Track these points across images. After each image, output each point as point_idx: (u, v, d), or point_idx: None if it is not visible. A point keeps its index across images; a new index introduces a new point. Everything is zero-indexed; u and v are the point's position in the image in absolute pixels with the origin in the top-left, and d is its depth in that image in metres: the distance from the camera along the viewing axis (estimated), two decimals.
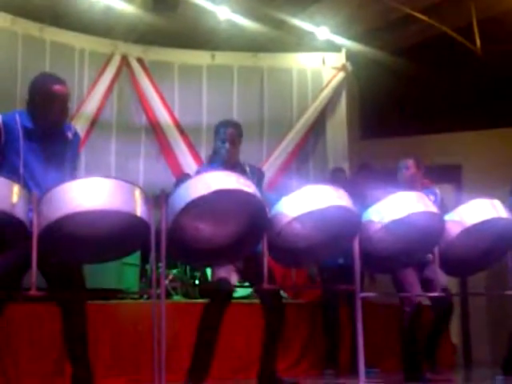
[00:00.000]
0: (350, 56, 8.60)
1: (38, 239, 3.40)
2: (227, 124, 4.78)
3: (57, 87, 3.96)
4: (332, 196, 4.05)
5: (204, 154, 8.04)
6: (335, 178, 6.66)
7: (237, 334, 5.69)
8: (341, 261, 5.47)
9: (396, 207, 4.23)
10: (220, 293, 4.52)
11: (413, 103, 8.93)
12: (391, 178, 5.48)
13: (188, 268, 7.09)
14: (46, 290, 3.80)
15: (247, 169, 4.66)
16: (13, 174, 3.69)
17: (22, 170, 3.82)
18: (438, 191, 5.67)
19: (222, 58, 8.48)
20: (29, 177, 3.81)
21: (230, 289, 4.61)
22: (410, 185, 5.35)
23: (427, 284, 5.21)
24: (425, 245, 4.42)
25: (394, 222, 4.18)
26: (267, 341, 4.57)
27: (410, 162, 5.52)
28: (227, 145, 4.62)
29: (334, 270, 5.73)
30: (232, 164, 4.54)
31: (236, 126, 4.78)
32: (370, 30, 8.34)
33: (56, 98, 3.94)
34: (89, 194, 3.49)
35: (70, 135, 4.02)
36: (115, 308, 5.66)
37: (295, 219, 3.98)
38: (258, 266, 4.28)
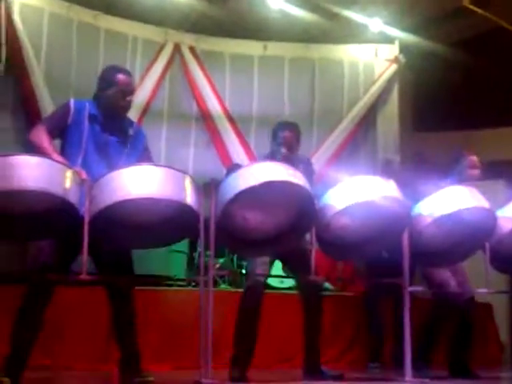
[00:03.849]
0: (403, 48, 8.51)
1: (89, 224, 3.45)
2: (284, 127, 4.75)
3: (121, 77, 4.04)
4: (382, 187, 4.03)
5: (253, 143, 8.06)
6: (386, 169, 6.61)
7: (282, 324, 5.71)
8: (385, 255, 5.41)
9: (447, 202, 4.19)
10: (253, 285, 4.54)
11: (466, 96, 8.80)
12: (444, 171, 5.39)
13: (235, 257, 7.13)
14: (96, 274, 3.85)
15: (300, 162, 4.63)
16: (70, 159, 3.76)
17: (81, 156, 3.89)
18: None
19: (274, 48, 8.45)
20: (85, 164, 3.87)
21: (263, 280, 4.62)
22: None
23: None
24: (476, 240, 4.37)
25: (445, 216, 4.14)
26: (307, 332, 4.59)
27: (477, 160, 5.31)
28: (283, 149, 4.61)
29: (378, 263, 5.67)
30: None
31: (293, 129, 4.75)
32: (424, 22, 8.24)
33: (120, 87, 4.01)
34: (140, 181, 3.53)
35: (131, 131, 4.08)
36: (163, 294, 5.72)
37: (343, 211, 3.96)
38: (302, 257, 4.29)
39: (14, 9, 6.81)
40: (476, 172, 5.28)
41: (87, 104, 4.04)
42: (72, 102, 4.04)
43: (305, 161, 4.78)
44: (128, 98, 4.05)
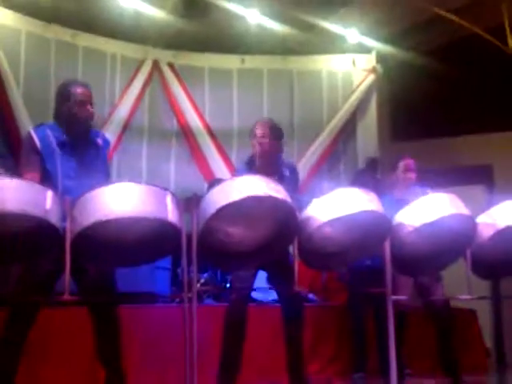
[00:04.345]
0: (381, 58, 8.58)
1: (70, 244, 3.44)
2: (261, 124, 4.76)
3: (79, 90, 4.03)
4: (363, 200, 4.04)
5: (234, 157, 8.08)
6: (369, 168, 6.67)
7: (268, 338, 5.70)
8: (368, 262, 5.43)
9: (428, 209, 4.21)
10: (237, 299, 4.55)
11: (443, 104, 8.87)
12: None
13: (219, 271, 7.12)
14: (78, 294, 3.84)
15: (285, 170, 4.64)
16: (49, 183, 3.76)
17: (58, 179, 3.89)
18: None
19: (252, 61, 8.50)
20: (63, 185, 3.86)
21: (247, 294, 4.64)
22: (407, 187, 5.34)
23: (424, 291, 5.23)
24: (457, 247, 4.40)
25: (426, 224, 4.16)
26: (289, 345, 4.59)
27: (413, 163, 5.47)
28: (264, 140, 4.63)
29: (361, 271, 5.69)
30: (270, 166, 4.53)
31: (271, 125, 4.77)
32: (401, 32, 8.31)
33: (80, 100, 4.00)
34: (121, 199, 3.52)
35: (100, 141, 4.08)
36: (147, 311, 5.70)
37: (326, 223, 3.98)
38: (283, 268, 4.31)
39: None
40: (413, 175, 5.38)
41: (48, 129, 4.02)
42: (32, 131, 4.02)
43: (291, 167, 4.80)
44: (88, 108, 4.03)
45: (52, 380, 5.20)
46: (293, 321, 4.57)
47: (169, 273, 6.63)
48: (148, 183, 3.72)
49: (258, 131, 4.68)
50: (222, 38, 8.11)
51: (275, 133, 4.72)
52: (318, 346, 6.14)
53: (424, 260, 4.43)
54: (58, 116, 4.08)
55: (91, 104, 4.07)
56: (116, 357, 3.93)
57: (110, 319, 3.93)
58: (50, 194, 3.48)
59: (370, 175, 6.65)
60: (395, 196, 5.35)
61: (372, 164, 6.99)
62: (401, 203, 4.35)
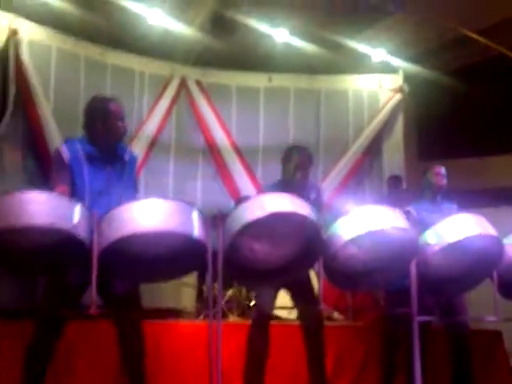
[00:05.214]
0: (407, 77, 8.57)
1: (97, 259, 3.47)
2: (299, 151, 4.78)
3: (113, 106, 4.08)
4: (389, 217, 4.03)
5: (260, 174, 8.09)
6: (391, 185, 6.64)
7: (291, 355, 5.69)
8: (407, 283, 5.36)
9: (454, 230, 4.19)
10: (260, 318, 4.55)
11: (469, 124, 8.83)
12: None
13: (244, 288, 7.12)
14: (105, 308, 3.86)
15: (311, 193, 4.66)
16: (77, 197, 3.80)
17: (86, 193, 3.92)
18: None
19: (279, 80, 8.54)
20: (91, 199, 3.90)
21: (270, 313, 4.64)
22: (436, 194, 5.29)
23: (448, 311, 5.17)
24: (484, 268, 4.37)
25: (452, 245, 4.14)
26: (310, 362, 4.58)
27: (443, 170, 5.43)
28: (299, 173, 4.64)
29: (400, 293, 5.61)
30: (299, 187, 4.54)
31: (308, 153, 4.80)
32: (427, 51, 8.31)
33: (113, 115, 4.05)
34: (148, 215, 3.55)
35: (127, 157, 4.12)
36: (172, 327, 5.72)
37: (351, 241, 3.97)
38: (305, 287, 4.31)
39: (23, 46, 6.90)
40: (444, 181, 5.34)
41: (78, 144, 4.06)
42: (62, 147, 4.07)
43: (316, 189, 4.82)
44: (123, 124, 4.09)
45: None
46: (313, 339, 4.56)
47: (194, 289, 6.65)
48: (174, 199, 3.75)
49: (298, 158, 4.69)
50: (250, 56, 8.16)
51: (311, 160, 4.76)
52: (342, 366, 6.10)
53: (450, 281, 4.40)
54: (89, 131, 4.12)
55: (124, 119, 4.13)
56: (140, 371, 3.94)
57: (134, 334, 3.95)
58: (78, 207, 3.52)
59: (394, 192, 6.63)
60: (423, 206, 5.30)
61: (394, 181, 6.96)
62: (429, 214, 4.33)
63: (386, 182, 8.14)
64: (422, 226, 4.20)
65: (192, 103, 8.21)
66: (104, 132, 4.05)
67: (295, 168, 4.66)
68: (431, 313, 4.72)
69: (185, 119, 8.22)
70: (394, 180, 6.92)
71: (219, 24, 7.54)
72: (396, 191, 6.54)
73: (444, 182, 5.43)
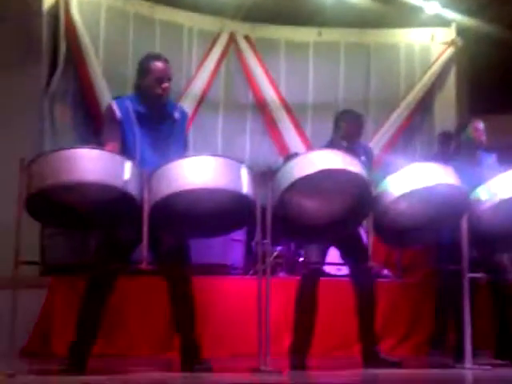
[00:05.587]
0: (460, 31, 8.37)
1: (148, 215, 3.51)
2: (347, 118, 4.77)
3: (157, 64, 4.07)
4: (439, 174, 4.00)
5: (309, 131, 8.04)
6: (442, 142, 6.55)
7: (340, 311, 5.70)
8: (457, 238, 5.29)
9: (506, 186, 4.13)
10: (309, 274, 4.57)
11: None
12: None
13: (293, 244, 7.14)
14: (155, 264, 3.92)
15: (361, 152, 4.63)
16: (128, 154, 3.83)
17: (136, 150, 3.95)
18: None
19: (329, 34, 8.41)
20: (141, 156, 3.93)
21: (319, 269, 4.65)
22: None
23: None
24: None
25: (505, 201, 4.08)
26: (361, 319, 4.59)
27: (483, 126, 5.19)
28: (343, 143, 4.62)
29: (450, 248, 5.54)
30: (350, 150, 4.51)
31: (356, 120, 4.78)
32: (481, 4, 8.09)
33: (156, 74, 4.04)
34: (197, 171, 3.58)
35: (177, 115, 4.13)
36: (221, 283, 5.78)
37: (401, 198, 3.95)
38: (356, 244, 4.30)
39: (72, 4, 6.92)
40: (483, 137, 5.16)
41: (128, 101, 4.08)
42: (114, 103, 4.09)
43: (366, 150, 4.79)
44: (164, 85, 4.06)
45: (129, 347, 5.35)
46: (364, 296, 4.56)
47: (243, 245, 6.68)
48: (224, 156, 3.76)
49: (346, 127, 4.67)
50: (299, 11, 8.05)
51: (360, 128, 4.73)
52: (392, 322, 6.09)
53: (501, 238, 4.36)
54: (137, 88, 4.14)
55: (169, 79, 4.11)
56: (191, 326, 4.00)
57: (184, 289, 3.99)
58: (129, 164, 3.56)
59: (442, 150, 6.53)
60: (462, 160, 5.20)
61: (445, 138, 6.84)
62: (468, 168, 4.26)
63: (436, 139, 8.05)
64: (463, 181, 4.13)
65: (241, 59, 8.15)
66: (146, 91, 4.06)
67: (342, 137, 4.64)
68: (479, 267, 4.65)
69: (233, 75, 8.18)
70: (445, 137, 6.81)
71: None
72: (446, 148, 6.43)
73: (484, 137, 5.28)
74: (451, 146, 6.08)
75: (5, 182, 4.79)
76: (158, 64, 4.08)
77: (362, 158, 4.52)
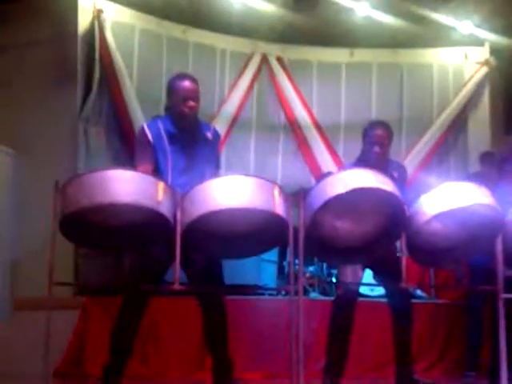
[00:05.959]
0: (494, 50, 8.33)
1: (181, 235, 3.53)
2: (376, 125, 4.72)
3: (184, 83, 4.10)
4: (474, 193, 3.96)
5: (342, 151, 8.03)
6: (484, 162, 6.49)
7: (374, 333, 5.67)
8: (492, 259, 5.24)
9: None
10: (344, 295, 4.54)
11: None
12: None
13: (325, 265, 7.12)
14: (187, 284, 3.93)
15: (394, 171, 4.59)
16: (161, 175, 3.86)
17: (169, 171, 3.98)
18: None
19: (361, 54, 8.42)
20: (174, 177, 3.96)
21: (353, 290, 4.62)
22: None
23: None
24: None
25: None
26: (397, 341, 4.54)
27: None
28: (375, 148, 4.59)
29: (484, 269, 5.49)
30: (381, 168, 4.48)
31: (385, 127, 4.72)
32: None
33: (183, 93, 4.07)
34: (230, 192, 3.58)
35: (209, 135, 4.15)
36: (253, 304, 5.77)
37: (435, 218, 3.91)
38: (391, 264, 4.26)
39: (107, 26, 7.02)
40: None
41: (159, 122, 4.12)
42: (145, 126, 4.14)
43: (399, 167, 4.76)
44: (190, 104, 4.07)
45: (162, 365, 5.36)
46: (402, 317, 4.52)
47: (275, 265, 6.68)
48: (256, 176, 3.76)
49: (378, 133, 4.63)
50: (331, 31, 8.07)
51: (392, 136, 4.68)
52: (426, 343, 6.05)
53: None
54: (167, 109, 4.18)
55: (196, 99, 4.12)
56: (223, 345, 4.00)
57: (217, 309, 4.01)
58: (161, 185, 3.58)
59: (485, 170, 6.47)
60: (506, 188, 5.16)
61: (487, 158, 6.77)
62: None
63: (473, 158, 7.99)
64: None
65: (273, 80, 8.20)
66: (175, 111, 4.09)
67: (371, 143, 4.60)
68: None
69: (266, 96, 8.21)
70: (487, 156, 6.74)
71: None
72: (489, 168, 6.37)
73: None
74: (494, 169, 6.02)
75: (40, 204, 4.84)
76: (184, 83, 4.11)
77: (395, 174, 4.49)
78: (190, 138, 4.10)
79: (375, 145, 4.58)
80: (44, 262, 3.72)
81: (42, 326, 3.62)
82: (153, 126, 4.11)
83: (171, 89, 4.14)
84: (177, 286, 3.58)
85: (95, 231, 3.69)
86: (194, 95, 4.12)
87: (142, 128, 4.14)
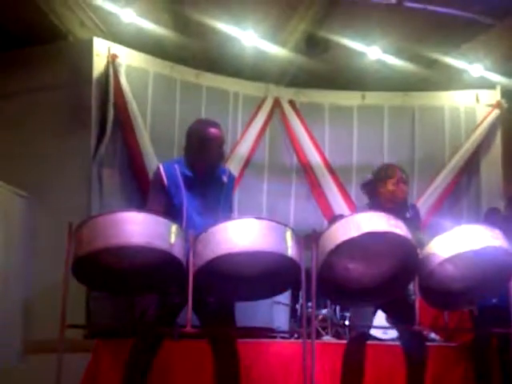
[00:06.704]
0: (505, 92, 8.36)
1: (193, 278, 3.53)
2: (399, 167, 4.74)
3: (213, 131, 4.14)
4: (486, 236, 3.94)
5: (354, 194, 8.03)
6: (489, 218, 6.45)
7: (387, 376, 5.60)
8: (495, 300, 5.23)
9: None
10: (356, 337, 4.51)
11: None
12: None
13: (338, 308, 7.08)
14: (200, 327, 3.91)
15: (407, 212, 4.60)
16: (175, 217, 3.87)
17: (184, 214, 4.00)
18: None
19: (373, 98, 8.48)
20: (188, 219, 3.97)
21: (366, 333, 4.59)
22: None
23: None
24: None
25: None
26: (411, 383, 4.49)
27: None
28: (403, 186, 4.60)
29: (487, 310, 5.48)
30: (396, 210, 4.49)
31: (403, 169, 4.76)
32: None
33: (212, 141, 4.11)
34: (242, 234, 3.59)
35: (225, 178, 4.18)
36: (266, 346, 5.73)
37: (447, 260, 3.90)
38: (404, 307, 4.24)
39: (121, 71, 7.12)
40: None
41: (176, 165, 4.14)
42: (161, 167, 4.15)
43: (412, 208, 4.75)
44: (222, 150, 4.14)
45: None
46: (415, 360, 4.47)
47: (288, 308, 6.65)
48: (269, 219, 3.77)
49: (395, 175, 4.65)
50: (343, 75, 8.14)
51: (407, 178, 4.70)
52: None
53: None
54: (188, 153, 4.19)
55: (222, 145, 4.18)
56: None
57: (229, 352, 3.98)
58: (174, 228, 3.59)
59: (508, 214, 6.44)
60: None
61: (490, 213, 6.75)
62: None
63: (485, 201, 7.98)
64: None
65: (285, 123, 8.26)
66: (201, 156, 4.11)
67: (396, 182, 4.61)
68: None
69: (278, 139, 8.27)
70: (492, 213, 6.71)
71: (312, 43, 7.55)
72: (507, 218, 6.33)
73: None
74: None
75: (53, 246, 4.87)
76: (215, 130, 4.17)
77: (408, 214, 4.50)
78: (206, 181, 4.13)
79: (401, 183, 4.59)
80: (56, 304, 3.72)
81: (54, 369, 3.62)
82: (168, 168, 4.13)
83: (197, 134, 4.17)
84: (189, 329, 3.57)
85: (108, 273, 3.70)
86: (221, 142, 4.18)
87: (158, 169, 4.16)
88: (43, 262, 6.04)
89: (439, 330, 6.84)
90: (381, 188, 4.66)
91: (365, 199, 4.86)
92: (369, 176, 4.79)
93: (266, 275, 3.80)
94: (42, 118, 6.88)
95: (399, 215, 4.31)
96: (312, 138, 8.24)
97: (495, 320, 4.58)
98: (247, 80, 8.16)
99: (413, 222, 4.45)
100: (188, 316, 3.57)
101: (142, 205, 4.51)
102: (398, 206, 4.54)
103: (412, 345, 4.48)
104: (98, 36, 7.07)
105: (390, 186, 4.62)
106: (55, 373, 3.60)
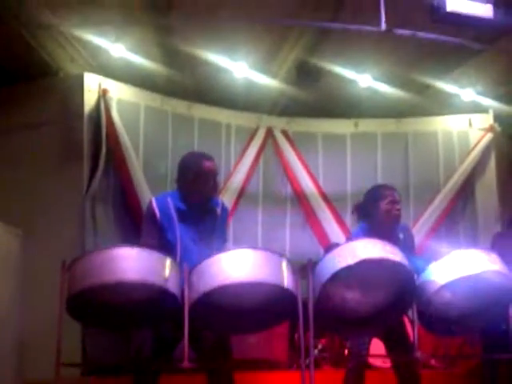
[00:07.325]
0: (498, 116, 8.38)
1: (189, 311, 3.48)
2: (391, 187, 4.71)
3: (207, 164, 4.13)
4: (483, 261, 3.91)
5: (349, 221, 8.00)
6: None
7: None
8: (504, 326, 5.16)
9: None
10: (355, 366, 4.47)
11: None
12: None
13: (337, 337, 7.01)
14: (196, 361, 3.86)
15: (400, 233, 4.58)
16: (169, 251, 3.84)
17: (178, 247, 3.97)
18: None
19: (366, 125, 8.49)
20: (183, 252, 3.94)
21: (365, 361, 4.56)
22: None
23: None
24: None
25: None
26: None
27: None
28: (397, 206, 4.57)
29: (496, 336, 5.40)
30: (390, 231, 4.45)
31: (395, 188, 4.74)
32: None
33: (207, 174, 4.10)
34: (237, 265, 3.56)
35: (218, 210, 4.15)
36: (264, 378, 5.68)
37: (445, 286, 3.87)
38: (399, 334, 4.20)
39: (113, 105, 7.12)
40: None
41: (169, 198, 4.12)
42: (154, 201, 4.14)
43: (404, 229, 4.72)
44: (216, 182, 4.15)
45: None
46: None
47: (286, 339, 6.58)
48: (264, 249, 3.74)
49: (387, 195, 4.62)
50: (335, 103, 8.16)
51: (400, 197, 4.68)
52: None
53: None
54: (181, 186, 4.17)
55: (216, 178, 4.17)
56: None
57: None
58: (168, 261, 3.56)
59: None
60: None
61: None
62: None
63: (481, 224, 7.96)
64: None
65: (278, 153, 8.25)
66: (195, 189, 4.10)
67: (391, 203, 4.58)
68: None
69: (272, 169, 8.26)
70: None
71: (304, 72, 7.56)
72: None
73: None
74: None
75: (47, 284, 4.81)
76: (209, 163, 4.16)
77: (401, 235, 4.47)
78: (199, 213, 4.10)
79: (396, 204, 4.56)
80: (51, 343, 3.67)
81: None
82: (161, 201, 4.12)
83: (194, 169, 4.15)
84: (186, 364, 3.52)
85: (102, 309, 3.65)
86: (215, 174, 4.17)
87: (150, 202, 4.15)
88: (37, 300, 5.97)
89: (439, 356, 6.79)
90: (374, 209, 4.63)
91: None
92: (361, 199, 4.78)
93: (263, 306, 3.76)
94: (33, 154, 6.86)
95: (393, 236, 4.30)
96: (306, 166, 8.23)
97: (505, 347, 4.52)
98: (239, 111, 8.17)
99: (406, 243, 4.44)
100: (185, 350, 3.52)
101: (136, 238, 4.46)
102: (391, 227, 4.52)
103: (405, 373, 4.43)
104: (89, 71, 7.07)
105: (383, 206, 4.60)
106: None
